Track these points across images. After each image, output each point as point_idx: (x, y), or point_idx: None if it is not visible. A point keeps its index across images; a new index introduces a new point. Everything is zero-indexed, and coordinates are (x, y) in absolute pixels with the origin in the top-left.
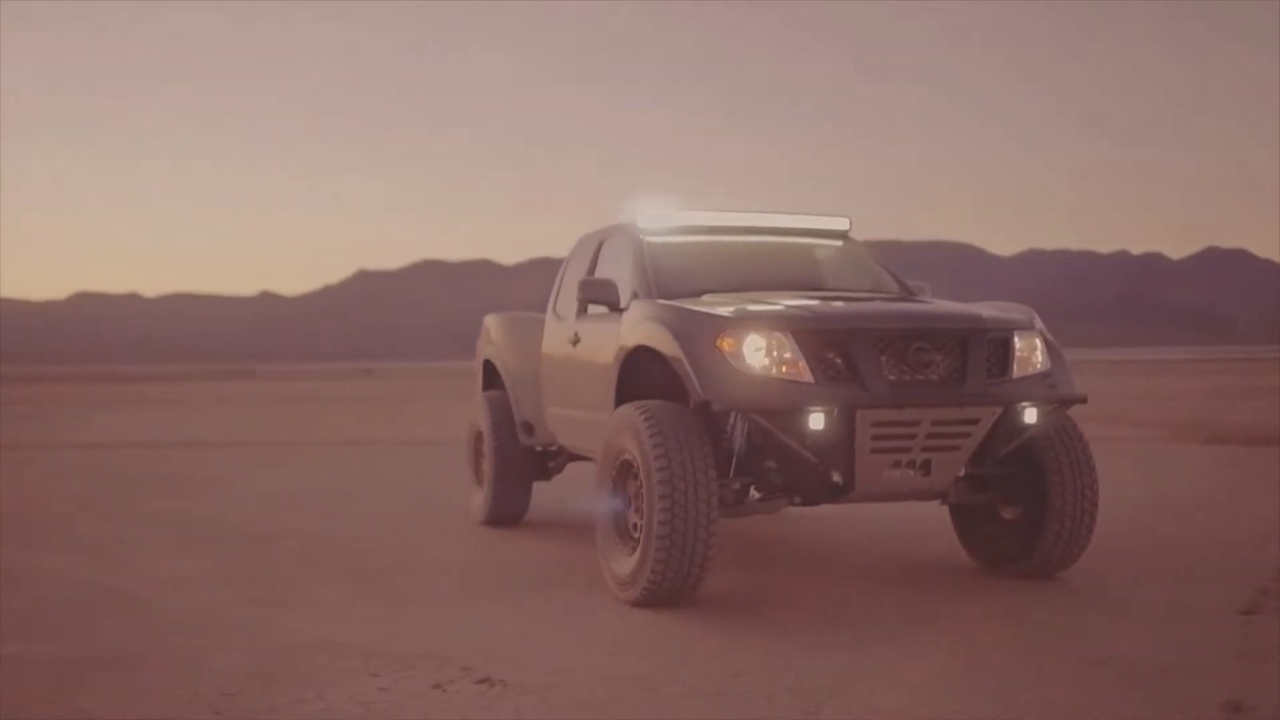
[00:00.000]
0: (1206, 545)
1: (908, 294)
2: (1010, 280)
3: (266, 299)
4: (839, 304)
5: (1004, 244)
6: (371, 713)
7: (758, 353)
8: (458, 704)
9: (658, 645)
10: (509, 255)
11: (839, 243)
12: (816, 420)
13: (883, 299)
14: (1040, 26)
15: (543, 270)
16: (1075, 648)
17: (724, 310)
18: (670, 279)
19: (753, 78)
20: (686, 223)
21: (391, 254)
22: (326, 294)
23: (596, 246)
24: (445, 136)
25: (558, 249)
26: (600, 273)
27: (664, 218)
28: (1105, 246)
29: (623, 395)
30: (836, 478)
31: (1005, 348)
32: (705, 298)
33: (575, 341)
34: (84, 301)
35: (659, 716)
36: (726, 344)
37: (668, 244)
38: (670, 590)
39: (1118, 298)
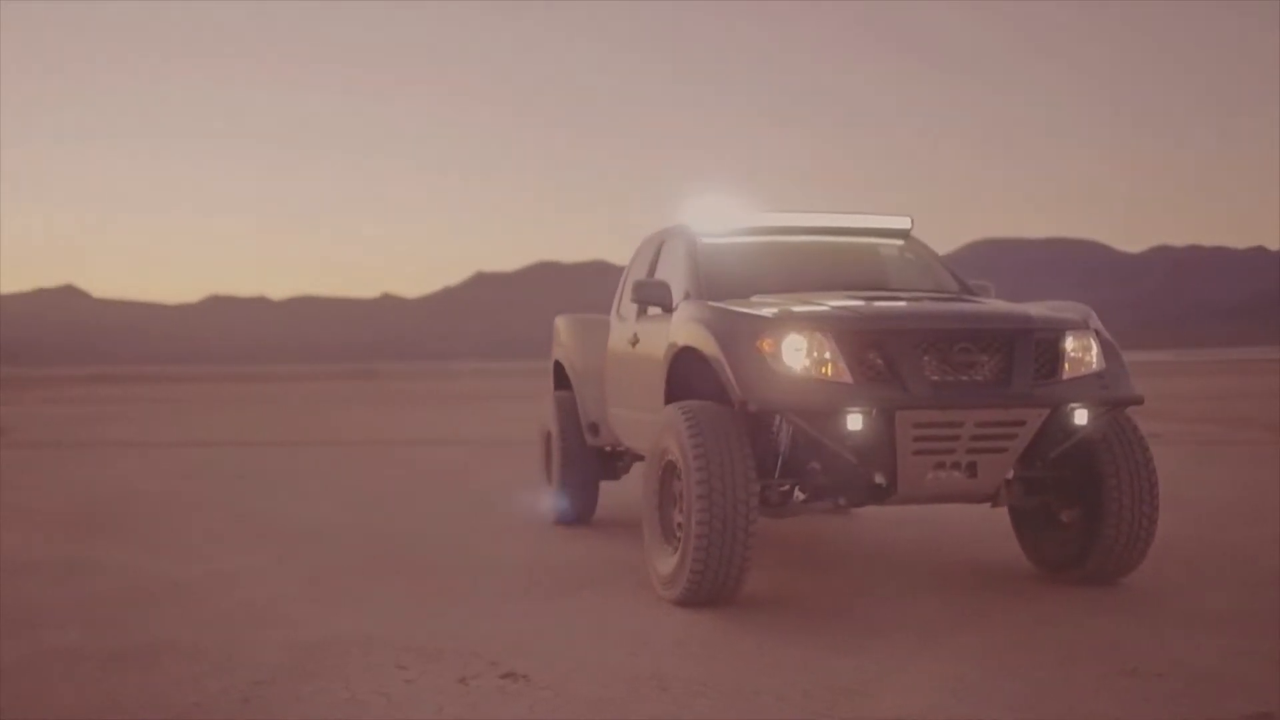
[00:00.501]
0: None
1: (967, 293)
2: (1138, 277)
3: (388, 301)
4: (884, 304)
5: (1131, 240)
6: (393, 704)
7: (797, 353)
8: (476, 698)
9: (684, 645)
10: (623, 256)
11: (900, 242)
12: (855, 421)
13: (932, 298)
14: (1171, 19)
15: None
16: (1110, 655)
17: (766, 311)
18: (722, 280)
19: (866, 74)
20: (743, 223)
21: (508, 256)
22: (445, 295)
23: (657, 248)
24: (560, 138)
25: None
26: (660, 274)
27: (720, 218)
28: (1240, 242)
29: (673, 396)
30: (880, 479)
31: (1055, 348)
32: (754, 299)
33: (634, 343)
34: (216, 304)
35: (665, 714)
36: (766, 345)
37: (722, 245)
38: (711, 589)
39: (1254, 295)
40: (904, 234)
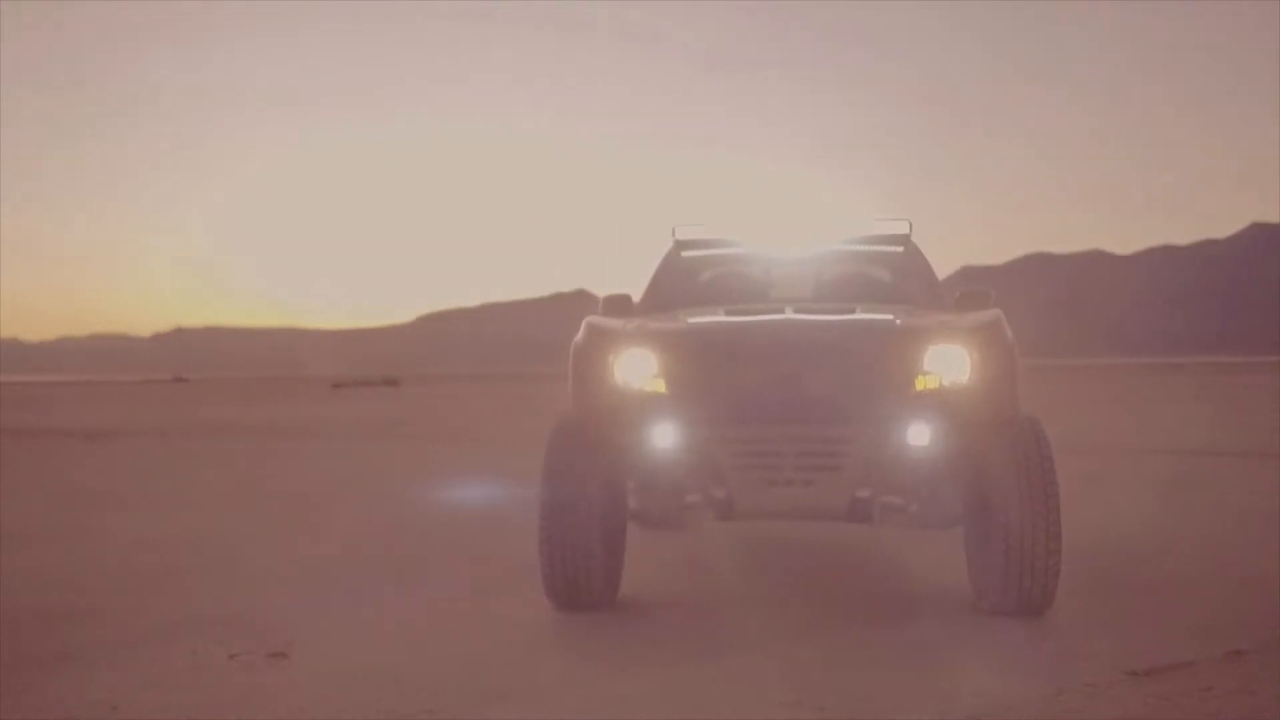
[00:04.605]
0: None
1: (936, 303)
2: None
3: None
4: (744, 318)
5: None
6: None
7: (628, 367)
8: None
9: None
10: (1123, 244)
11: (900, 249)
12: (663, 435)
13: (810, 308)
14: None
15: (1162, 259)
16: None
17: (630, 325)
18: (675, 293)
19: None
20: (724, 236)
21: (995, 249)
22: None
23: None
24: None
25: (1178, 236)
26: None
27: (701, 230)
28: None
29: None
30: (719, 493)
31: (911, 361)
32: (679, 311)
33: None
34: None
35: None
36: (611, 357)
37: (699, 257)
38: (566, 593)
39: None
40: (903, 240)
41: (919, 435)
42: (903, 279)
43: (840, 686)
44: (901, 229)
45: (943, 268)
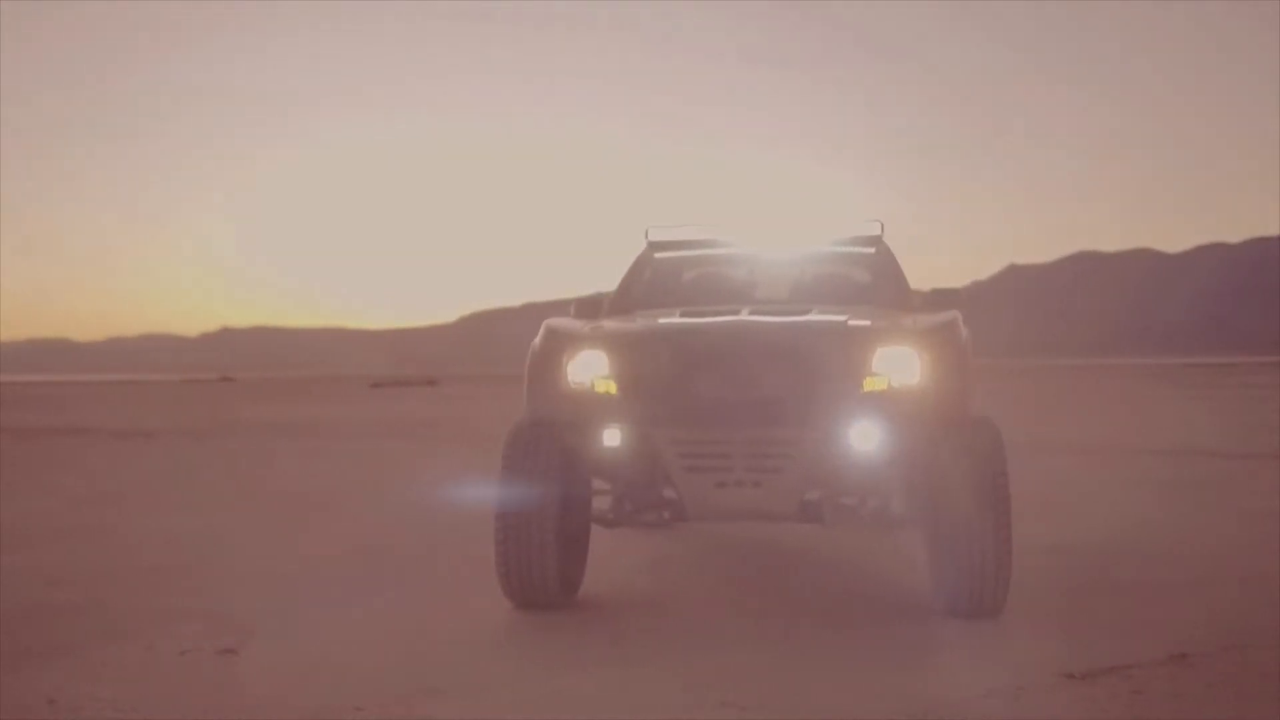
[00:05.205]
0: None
1: (902, 302)
2: None
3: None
4: (699, 320)
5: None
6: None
7: (581, 368)
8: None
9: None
10: (1172, 242)
11: (872, 250)
12: (612, 437)
13: (766, 310)
14: None
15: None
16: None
17: (586, 327)
18: (644, 294)
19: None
20: (698, 236)
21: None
22: (974, 290)
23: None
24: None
25: (1229, 234)
26: None
27: (676, 231)
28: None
29: None
30: (670, 495)
31: (859, 363)
32: (640, 312)
33: None
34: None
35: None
36: (565, 359)
37: (673, 259)
38: (522, 592)
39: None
40: (875, 241)
41: (865, 437)
42: (873, 280)
43: (774, 687)
44: (874, 230)
45: (988, 266)
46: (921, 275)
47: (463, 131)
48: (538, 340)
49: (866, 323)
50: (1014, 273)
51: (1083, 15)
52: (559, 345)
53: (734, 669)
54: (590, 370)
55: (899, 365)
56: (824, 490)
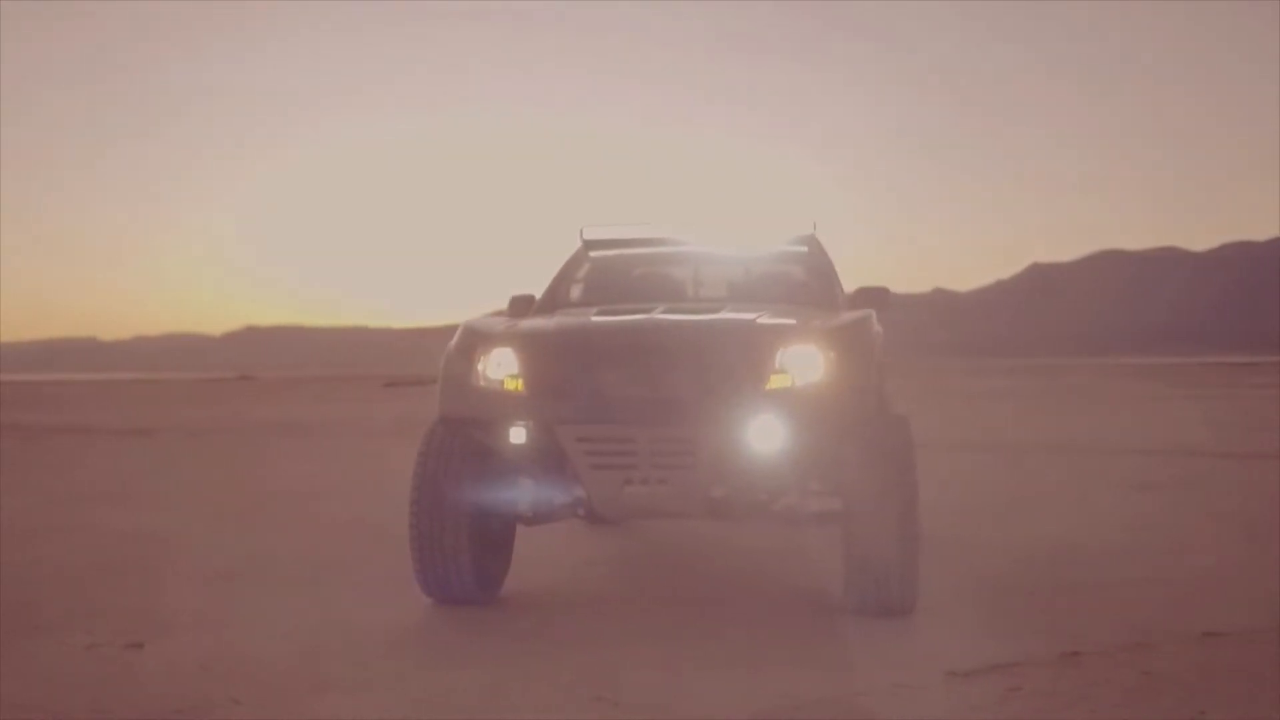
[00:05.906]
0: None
1: (827, 301)
2: None
3: (939, 295)
4: (610, 318)
5: None
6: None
7: (490, 366)
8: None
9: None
10: (1197, 240)
11: (805, 249)
12: (518, 434)
13: (678, 309)
14: None
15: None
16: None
17: (501, 325)
18: (573, 293)
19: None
20: (635, 235)
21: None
22: (998, 289)
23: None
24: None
25: (1255, 231)
26: None
27: (613, 230)
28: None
29: None
30: (580, 493)
31: (763, 360)
32: (559, 312)
33: None
34: None
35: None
36: (477, 357)
37: (609, 258)
38: (439, 589)
39: None
40: (808, 240)
41: (766, 434)
42: (805, 279)
43: (652, 683)
44: (806, 230)
45: (1011, 265)
46: (943, 276)
47: (489, 131)
48: (454, 339)
49: (774, 321)
50: (1037, 271)
51: (1108, 12)
52: (473, 344)
53: (618, 664)
54: (501, 368)
55: (803, 363)
56: (729, 488)
